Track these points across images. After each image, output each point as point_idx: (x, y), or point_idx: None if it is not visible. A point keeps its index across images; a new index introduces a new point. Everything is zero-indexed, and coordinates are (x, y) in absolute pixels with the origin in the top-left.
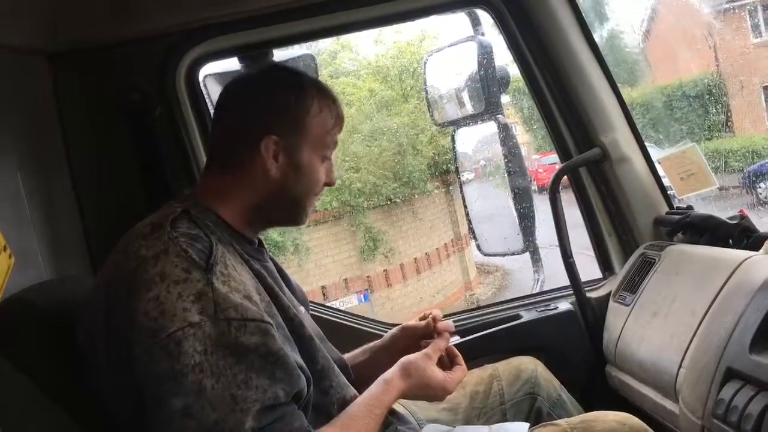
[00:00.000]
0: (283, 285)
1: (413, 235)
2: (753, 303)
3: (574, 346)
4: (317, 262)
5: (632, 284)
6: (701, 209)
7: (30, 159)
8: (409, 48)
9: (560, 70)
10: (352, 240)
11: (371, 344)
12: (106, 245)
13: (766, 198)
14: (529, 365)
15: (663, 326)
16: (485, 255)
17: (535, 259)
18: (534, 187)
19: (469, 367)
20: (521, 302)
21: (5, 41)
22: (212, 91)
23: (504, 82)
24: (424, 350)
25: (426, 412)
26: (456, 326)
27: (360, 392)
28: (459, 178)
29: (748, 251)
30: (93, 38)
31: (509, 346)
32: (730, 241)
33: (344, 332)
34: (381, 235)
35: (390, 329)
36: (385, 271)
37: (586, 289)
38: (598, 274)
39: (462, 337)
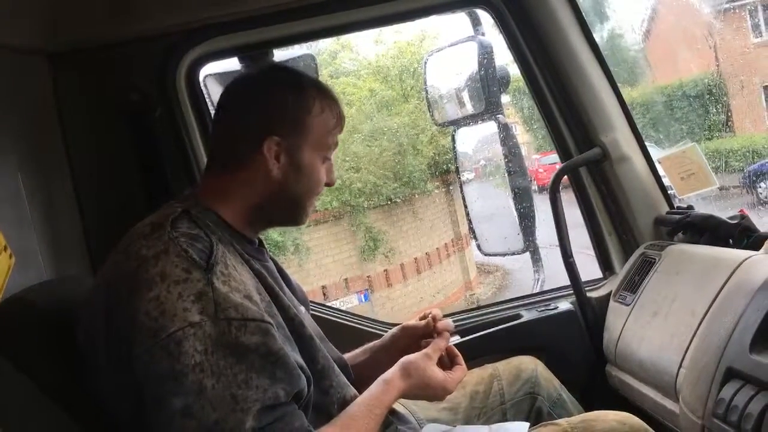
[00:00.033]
0: (284, 285)
1: (413, 234)
2: (753, 303)
3: (575, 346)
4: (317, 262)
5: (632, 284)
6: (701, 209)
7: (30, 159)
8: (409, 48)
9: (560, 70)
10: (353, 240)
11: (371, 344)
12: (106, 245)
13: (766, 198)
14: (529, 365)
15: (663, 326)
16: (485, 255)
17: (536, 258)
18: (534, 187)
19: (470, 367)
20: (521, 302)
21: (5, 41)
22: (212, 91)
23: (504, 81)
24: (424, 350)
25: (426, 412)
26: (456, 326)
27: (360, 392)
28: (459, 177)
29: (748, 251)
30: (93, 38)
31: (509, 346)
32: (731, 240)
33: (344, 332)
34: (381, 234)
35: (390, 329)
36: (385, 270)
37: (586, 288)
38: (599, 274)
39: (462, 336)
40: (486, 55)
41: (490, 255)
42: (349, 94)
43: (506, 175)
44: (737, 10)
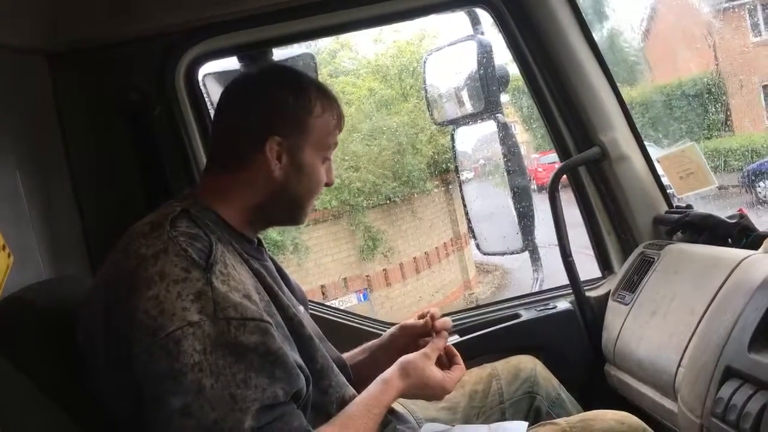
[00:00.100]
0: (283, 284)
1: (413, 234)
2: (752, 302)
3: (573, 345)
4: (317, 261)
5: (631, 283)
6: (700, 208)
7: (29, 158)
8: (408, 47)
9: (560, 70)
10: (352, 239)
11: (370, 343)
12: (105, 244)
13: (765, 197)
14: (528, 364)
15: (662, 325)
16: (484, 254)
17: (535, 258)
18: (533, 186)
19: (468, 366)
20: (520, 301)
21: (5, 41)
22: (211, 91)
23: (503, 81)
24: (422, 350)
25: (425, 411)
26: (455, 325)
27: (359, 391)
28: (458, 177)
29: (747, 250)
30: (92, 38)
31: (508, 345)
32: (730, 240)
33: (343, 331)
34: (380, 234)
35: (389, 328)
36: (384, 270)
37: (585, 288)
38: (598, 273)
39: (461, 336)
40: (485, 54)
41: (489, 254)
42: (348, 93)
43: (505, 174)
44: (736, 10)
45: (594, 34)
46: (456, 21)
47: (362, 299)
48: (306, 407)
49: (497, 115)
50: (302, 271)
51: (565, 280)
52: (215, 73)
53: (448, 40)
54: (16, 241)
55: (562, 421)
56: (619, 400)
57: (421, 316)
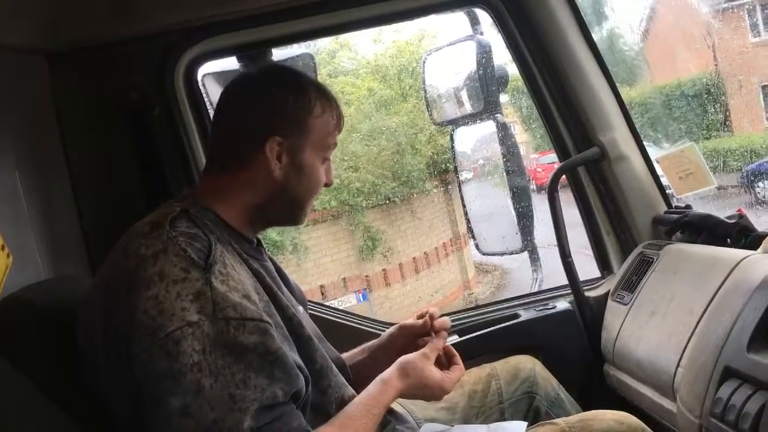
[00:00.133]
0: (282, 285)
1: (412, 234)
2: (751, 302)
3: (573, 345)
4: (316, 262)
5: (630, 283)
6: (700, 208)
7: (28, 158)
8: (408, 47)
9: (559, 70)
10: (351, 239)
11: (369, 343)
12: (105, 244)
13: (764, 197)
14: (527, 364)
15: (661, 325)
16: (484, 254)
17: (534, 258)
18: (533, 187)
19: (468, 366)
20: (520, 301)
21: (4, 41)
22: (211, 91)
23: (503, 81)
24: (421, 350)
25: (424, 412)
26: (454, 325)
27: (358, 392)
28: (458, 177)
29: (746, 250)
30: (92, 37)
31: (507, 345)
32: (729, 240)
33: (343, 332)
34: (380, 234)
35: (388, 328)
36: (383, 270)
37: (584, 288)
38: (597, 274)
39: (460, 336)
40: (485, 54)
41: (488, 254)
42: (347, 94)
43: (505, 174)
44: (735, 10)
45: (593, 35)
46: (455, 21)
47: (361, 299)
48: (305, 407)
49: (496, 115)
50: (301, 271)
51: (565, 280)
52: (214, 73)
53: (447, 40)
54: (15, 242)
55: (561, 421)
56: (618, 400)
57: (420, 316)
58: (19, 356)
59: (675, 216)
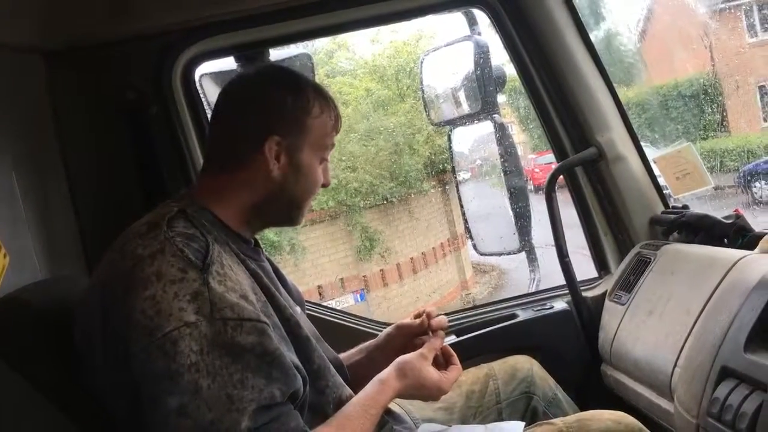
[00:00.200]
0: (279, 285)
1: (410, 234)
2: (748, 302)
3: (570, 346)
4: (313, 262)
5: (628, 283)
6: (697, 208)
7: (25, 158)
8: (405, 47)
9: (556, 70)
10: (349, 239)
11: (366, 343)
12: (102, 245)
13: (761, 197)
14: (524, 364)
15: (658, 325)
16: (481, 254)
17: (531, 258)
18: (530, 187)
19: (465, 367)
20: (517, 301)
21: (2, 40)
22: (208, 91)
23: (500, 81)
24: (419, 350)
25: (422, 412)
26: (452, 325)
27: (356, 392)
28: (455, 177)
29: (743, 250)
30: (90, 37)
31: (505, 346)
32: (726, 240)
33: (340, 332)
34: (377, 234)
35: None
36: (381, 270)
37: (581, 288)
38: (594, 274)
39: (458, 336)
40: (482, 54)
41: (485, 255)
42: (345, 94)
43: (502, 174)
44: (733, 10)
45: (591, 35)
46: (453, 21)
47: (359, 300)
48: (303, 408)
49: (494, 115)
50: (299, 271)
51: (562, 281)
52: (212, 73)
53: (445, 40)
54: (12, 242)
55: (558, 421)
56: (615, 400)
57: (417, 316)
58: (17, 356)
59: (672, 216)
